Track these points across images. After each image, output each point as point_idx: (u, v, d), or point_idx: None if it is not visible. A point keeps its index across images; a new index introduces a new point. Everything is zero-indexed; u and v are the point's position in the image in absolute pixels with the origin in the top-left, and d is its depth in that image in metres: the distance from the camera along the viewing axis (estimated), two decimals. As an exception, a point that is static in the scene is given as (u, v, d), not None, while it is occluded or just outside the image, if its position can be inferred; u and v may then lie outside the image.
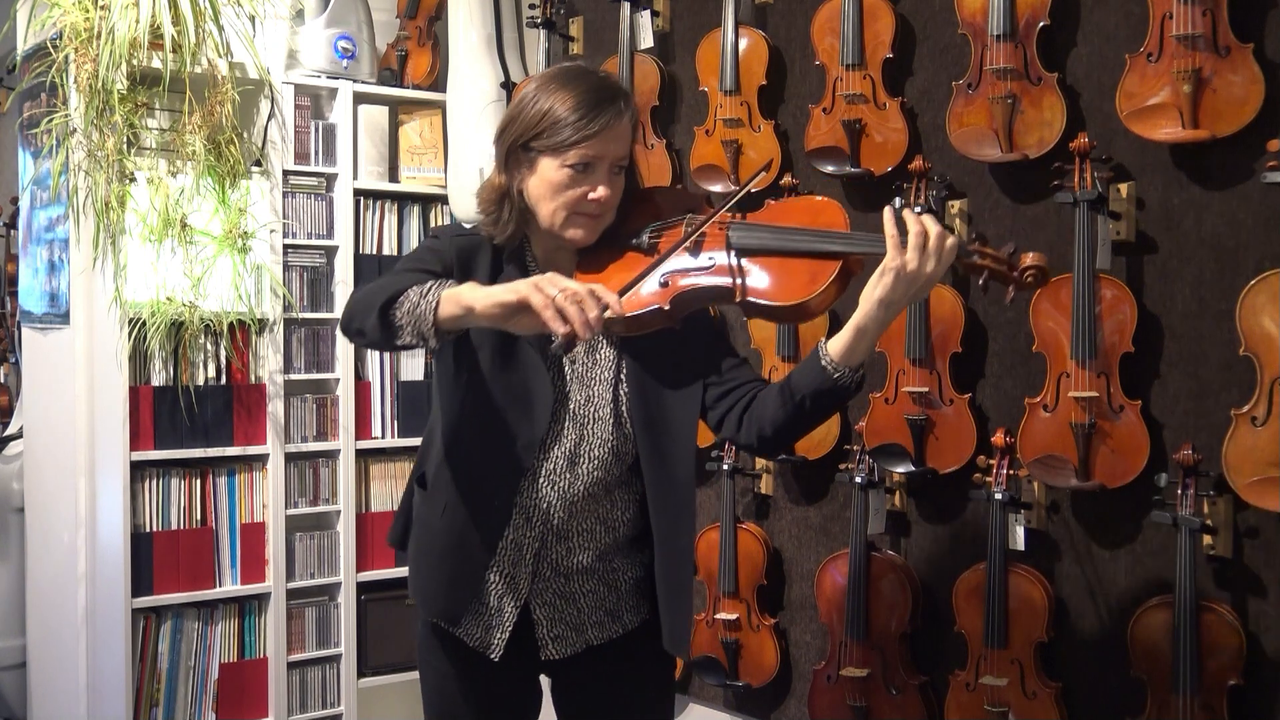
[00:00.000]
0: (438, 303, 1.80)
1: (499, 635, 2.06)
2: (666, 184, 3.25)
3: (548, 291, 1.72)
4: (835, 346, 1.90)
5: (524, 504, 2.02)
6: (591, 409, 2.02)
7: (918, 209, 1.93)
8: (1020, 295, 1.91)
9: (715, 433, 2.08)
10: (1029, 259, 1.87)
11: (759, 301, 1.94)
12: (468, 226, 2.13)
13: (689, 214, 2.04)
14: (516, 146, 1.98)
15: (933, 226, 1.82)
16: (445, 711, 2.18)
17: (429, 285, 1.83)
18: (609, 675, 2.13)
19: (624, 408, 2.03)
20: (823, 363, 1.90)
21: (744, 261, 1.96)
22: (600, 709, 2.16)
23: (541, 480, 2.02)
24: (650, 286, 1.96)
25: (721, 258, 1.97)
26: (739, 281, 1.95)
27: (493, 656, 2.07)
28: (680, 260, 1.98)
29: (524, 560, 2.04)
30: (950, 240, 1.83)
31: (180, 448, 3.43)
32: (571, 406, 2.02)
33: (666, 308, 1.96)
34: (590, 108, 1.92)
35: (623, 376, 2.03)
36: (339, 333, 1.98)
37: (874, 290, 1.83)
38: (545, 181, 1.96)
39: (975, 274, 1.91)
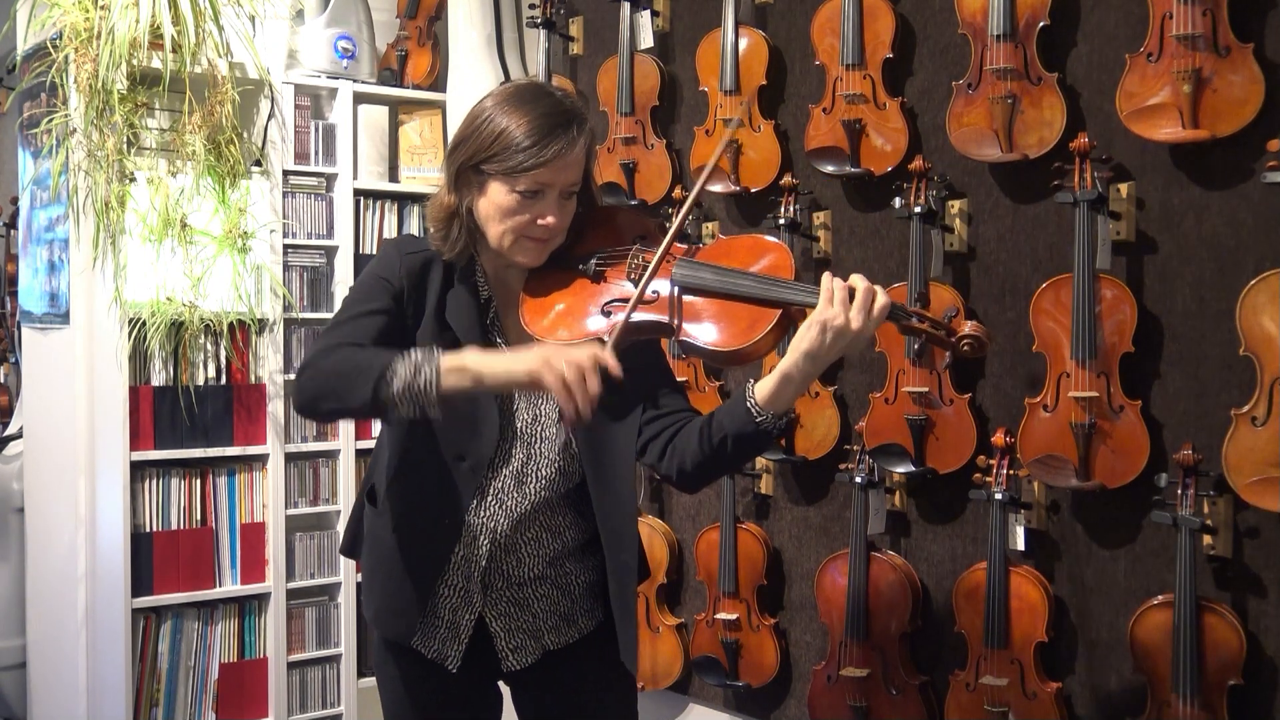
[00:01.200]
0: (438, 375, 1.79)
1: (455, 648, 2.05)
2: (655, 192, 3.25)
3: (557, 368, 1.74)
4: (762, 392, 1.88)
5: (472, 522, 2.02)
6: (539, 429, 2.02)
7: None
8: (955, 348, 1.89)
9: (638, 457, 2.05)
10: (966, 328, 1.87)
11: (695, 343, 1.92)
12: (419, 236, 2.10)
13: (638, 242, 2.02)
14: (467, 167, 1.95)
15: (862, 283, 1.82)
16: (406, 718, 2.15)
17: (417, 359, 1.80)
18: (568, 681, 2.12)
19: (560, 414, 2.01)
20: (748, 405, 1.88)
21: (686, 299, 1.94)
22: (562, 716, 2.15)
23: (490, 499, 2.01)
24: (595, 317, 1.96)
25: (665, 292, 1.95)
26: (678, 321, 1.93)
27: (450, 668, 2.06)
28: (624, 291, 1.96)
29: (474, 576, 2.04)
30: (882, 300, 1.82)
31: (180, 448, 3.43)
32: (518, 426, 2.02)
33: (606, 338, 1.92)
34: (544, 134, 1.89)
35: None
36: (297, 413, 1.93)
37: (801, 342, 1.82)
38: (494, 205, 1.93)
39: (912, 337, 1.90)
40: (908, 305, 1.87)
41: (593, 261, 2.01)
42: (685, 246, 2.01)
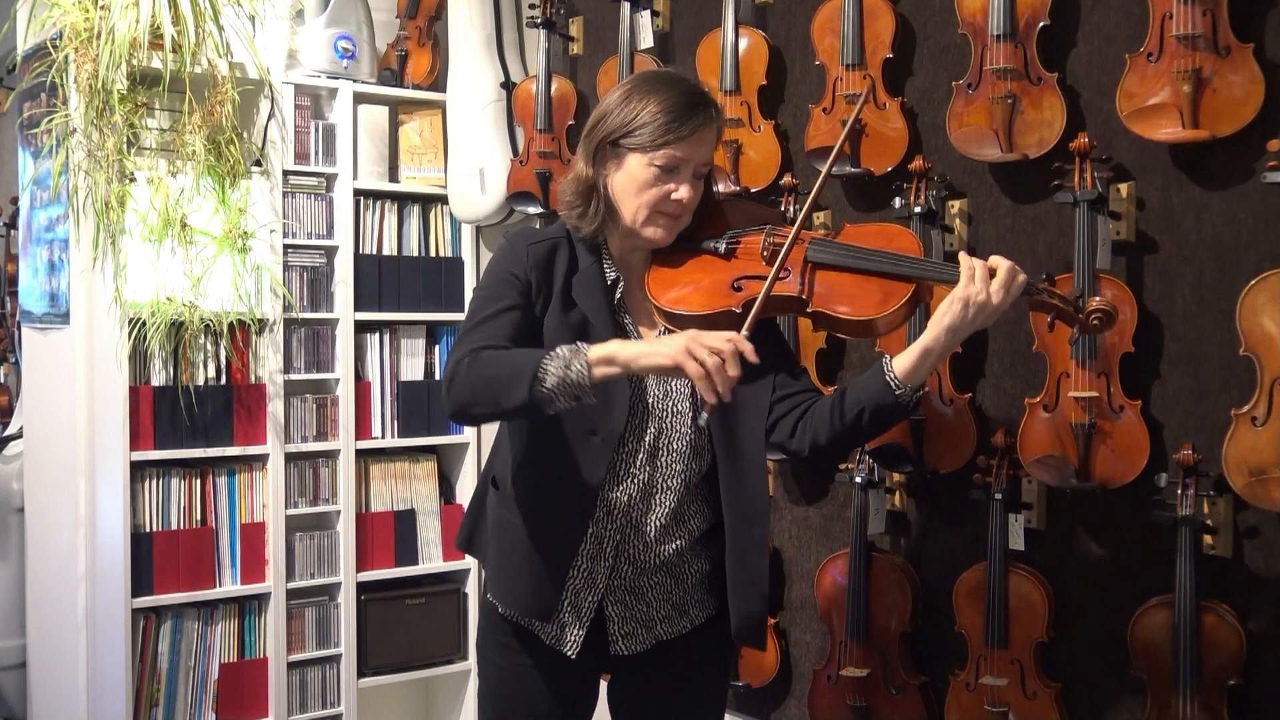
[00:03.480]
0: (589, 367, 1.86)
1: (576, 632, 2.09)
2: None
3: (699, 355, 1.81)
4: (901, 365, 1.97)
5: (606, 498, 2.06)
6: (670, 403, 2.08)
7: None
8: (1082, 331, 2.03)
9: (766, 436, 2.12)
10: (1095, 302, 1.98)
11: (828, 313, 2.02)
12: (543, 224, 2.18)
13: (767, 225, 2.12)
14: (606, 143, 2.05)
15: (1004, 262, 1.94)
16: (506, 708, 2.19)
17: (565, 355, 1.87)
18: (670, 671, 2.17)
19: (700, 404, 2.06)
20: (887, 379, 1.98)
21: (819, 274, 2.05)
22: (655, 704, 2.19)
23: (623, 475, 2.06)
24: (726, 291, 2.06)
25: (797, 270, 2.05)
26: (812, 292, 2.04)
27: (569, 653, 2.10)
28: (756, 267, 2.07)
29: (604, 555, 2.07)
30: (1021, 277, 1.94)
31: (180, 448, 3.43)
32: (649, 400, 2.07)
33: (738, 310, 2.04)
34: (682, 111, 2.00)
35: None
36: (451, 417, 2.06)
37: (943, 317, 1.94)
38: (631, 178, 2.03)
39: (1044, 312, 2.02)
40: (1037, 282, 1.99)
41: (723, 240, 2.11)
42: (814, 232, 2.13)
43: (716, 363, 1.81)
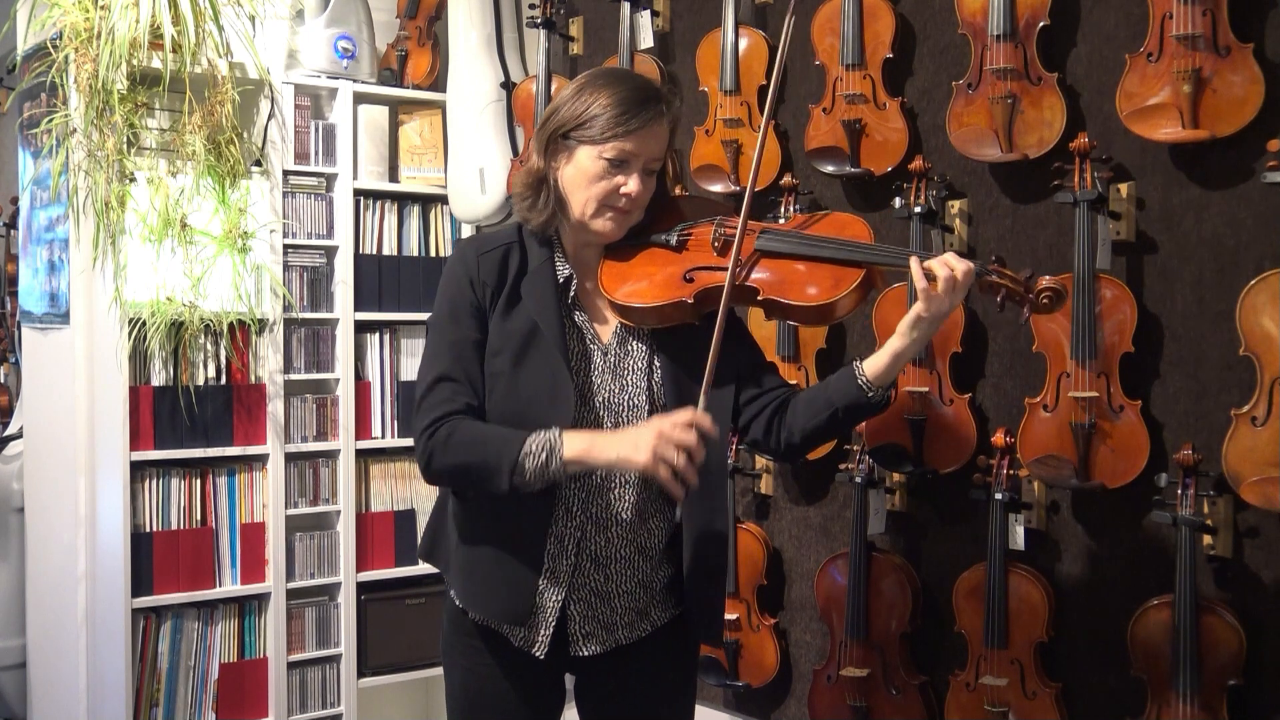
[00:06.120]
0: (564, 463, 1.94)
1: (543, 632, 2.08)
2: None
3: (669, 458, 1.88)
4: (872, 368, 2.01)
5: (564, 496, 2.06)
6: (626, 397, 2.07)
7: (925, 255, 2.01)
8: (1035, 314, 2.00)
9: (740, 435, 2.14)
10: (1045, 281, 1.96)
11: (781, 300, 2.03)
12: (490, 227, 2.18)
13: (717, 217, 2.12)
14: (557, 136, 2.05)
15: (958, 265, 1.94)
16: (475, 711, 2.18)
17: (541, 455, 1.94)
18: (634, 672, 2.16)
19: (657, 397, 2.07)
20: (859, 381, 2.02)
21: (770, 263, 2.06)
22: (622, 705, 2.18)
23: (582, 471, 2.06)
24: (677, 283, 2.06)
25: (748, 260, 2.06)
26: (763, 281, 2.04)
27: (537, 654, 2.09)
28: (707, 258, 2.07)
29: (565, 553, 2.07)
30: (969, 267, 1.95)
31: (180, 448, 3.43)
32: (605, 395, 2.06)
33: (690, 301, 2.04)
34: (632, 105, 2.01)
35: (656, 366, 2.09)
36: (423, 472, 2.11)
37: (911, 330, 1.98)
38: (581, 171, 2.03)
39: (993, 293, 2.00)
40: (985, 264, 2.00)
41: (674, 233, 2.13)
42: (764, 224, 2.13)
43: (685, 461, 1.88)
